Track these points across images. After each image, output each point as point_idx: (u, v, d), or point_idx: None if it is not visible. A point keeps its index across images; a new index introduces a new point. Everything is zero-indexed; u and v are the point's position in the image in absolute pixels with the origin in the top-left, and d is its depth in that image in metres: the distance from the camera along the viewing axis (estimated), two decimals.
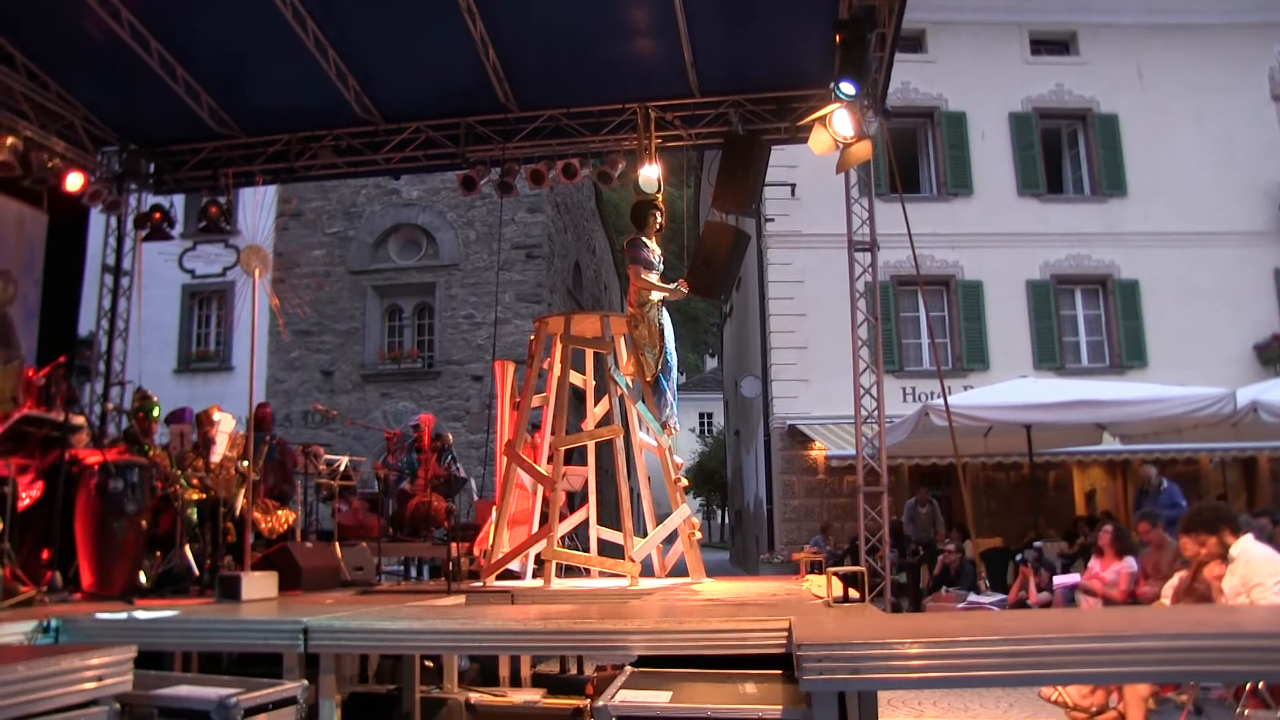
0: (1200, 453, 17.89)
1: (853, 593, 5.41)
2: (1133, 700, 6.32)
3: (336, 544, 8.54)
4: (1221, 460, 18.88)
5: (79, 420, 7.93)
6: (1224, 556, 6.53)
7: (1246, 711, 6.21)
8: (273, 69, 10.14)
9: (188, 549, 7.53)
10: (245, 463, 7.66)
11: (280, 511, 8.69)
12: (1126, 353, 19.45)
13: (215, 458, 7.90)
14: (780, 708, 3.56)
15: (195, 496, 7.73)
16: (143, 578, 7.16)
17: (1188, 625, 3.85)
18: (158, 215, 11.27)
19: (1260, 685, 6.09)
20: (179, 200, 12.35)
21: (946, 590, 12.32)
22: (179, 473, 7.67)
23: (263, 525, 8.32)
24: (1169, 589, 7.13)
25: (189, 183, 11.65)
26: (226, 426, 8.07)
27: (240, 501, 7.75)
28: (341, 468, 9.46)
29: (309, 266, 22.30)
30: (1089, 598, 9.13)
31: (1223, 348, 18.84)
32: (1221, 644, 3.41)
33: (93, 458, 7.05)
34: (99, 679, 3.60)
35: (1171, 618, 4.78)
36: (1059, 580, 10.34)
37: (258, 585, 6.36)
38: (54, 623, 4.90)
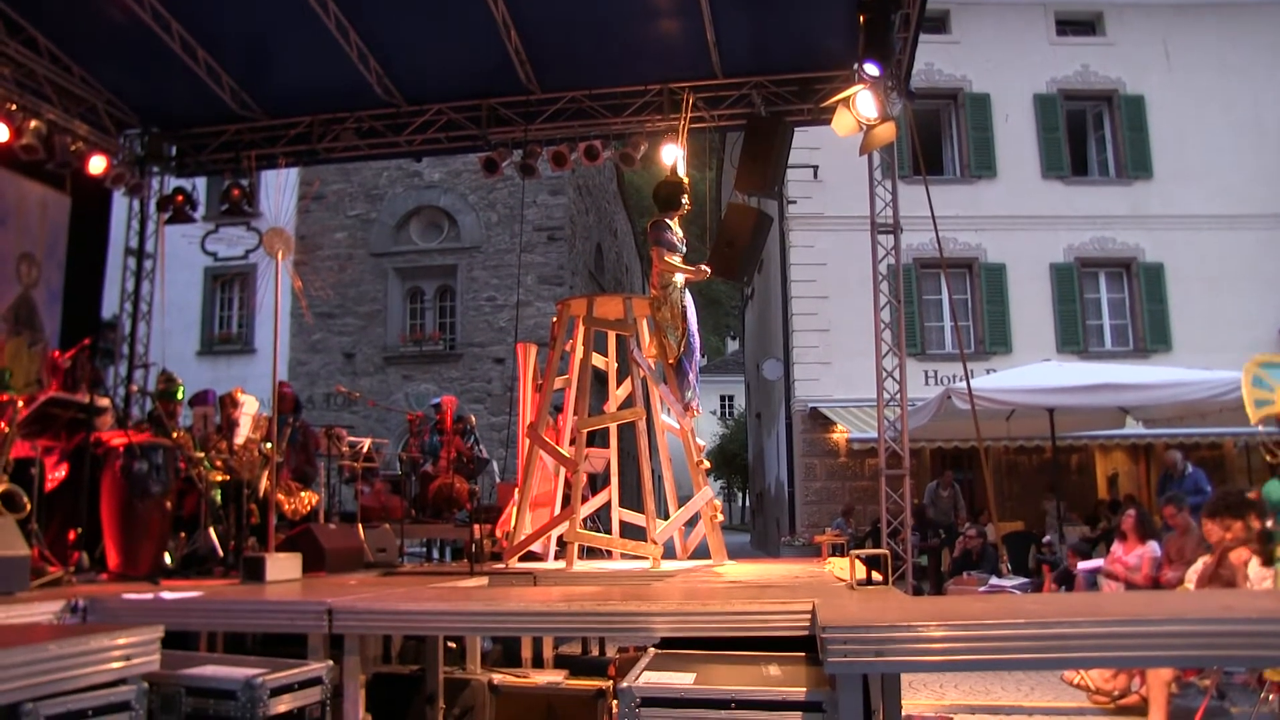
0: (1224, 437, 17.77)
1: (875, 575, 5.41)
2: (1155, 684, 6.31)
3: (359, 526, 8.56)
4: (1246, 445, 18.71)
5: (104, 402, 7.97)
6: (1249, 541, 6.51)
7: (1271, 696, 6.21)
8: (294, 51, 10.15)
9: (212, 530, 7.56)
10: (269, 444, 7.69)
11: (303, 493, 8.72)
12: (1150, 336, 19.31)
13: (239, 439, 7.92)
14: (804, 690, 3.55)
15: (219, 478, 7.75)
16: (168, 559, 7.20)
17: (1215, 610, 3.82)
18: (180, 198, 11.33)
19: None
20: (201, 183, 12.38)
21: (968, 574, 12.29)
22: (203, 454, 7.70)
23: (286, 507, 8.35)
24: (1193, 574, 7.11)
25: (211, 165, 11.69)
26: (250, 409, 8.08)
27: (264, 483, 7.77)
28: (364, 449, 9.49)
29: (331, 249, 22.37)
30: (1111, 582, 9.11)
31: (1248, 331, 18.66)
32: (1249, 629, 3.38)
33: (117, 439, 7.09)
34: (127, 658, 3.63)
35: (1197, 602, 4.75)
36: (1082, 565, 10.31)
37: (282, 566, 6.39)
38: (82, 603, 4.94)
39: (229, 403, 8.12)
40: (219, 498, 7.75)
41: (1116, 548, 9.51)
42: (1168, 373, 13.44)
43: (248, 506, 7.68)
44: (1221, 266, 19.03)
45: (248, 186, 11.32)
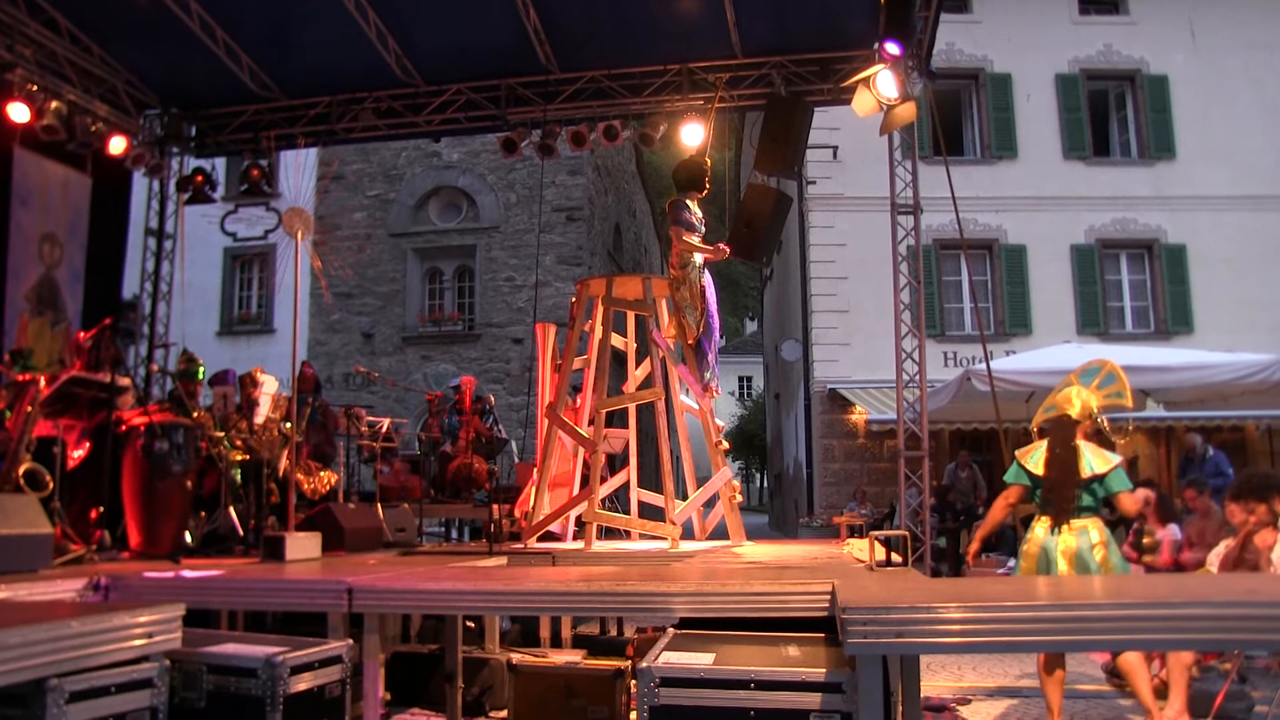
0: (1246, 420, 17.64)
1: (895, 557, 5.39)
2: (1175, 668, 6.27)
3: (378, 505, 8.59)
4: (1269, 428, 18.60)
5: (125, 382, 8.02)
6: (1274, 524, 6.47)
7: None
8: (313, 31, 10.15)
9: (232, 509, 7.60)
10: (288, 424, 7.72)
11: (323, 473, 8.76)
12: (1172, 318, 19.18)
13: (259, 419, 7.95)
14: (824, 670, 3.55)
15: (239, 457, 7.79)
16: (188, 538, 7.25)
17: (1239, 593, 3.80)
18: (200, 178, 11.36)
19: None
20: (220, 163, 12.43)
21: (987, 555, 12.26)
22: (223, 434, 7.74)
23: (305, 486, 8.39)
24: (1215, 557, 7.07)
25: (230, 146, 11.72)
26: (270, 388, 8.12)
27: (283, 463, 7.81)
28: (383, 429, 9.52)
29: (350, 229, 22.40)
30: (1133, 565, 9.07)
31: (1271, 313, 18.54)
32: (1273, 613, 3.35)
33: (138, 419, 7.13)
34: (149, 636, 3.65)
35: (1222, 585, 4.72)
36: None
37: (302, 546, 6.42)
38: (104, 580, 4.97)
39: (249, 382, 8.15)
40: (239, 477, 7.79)
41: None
42: (1189, 355, 13.35)
43: (267, 486, 7.72)
44: (1244, 248, 18.87)
45: (267, 167, 11.32)
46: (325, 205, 22.21)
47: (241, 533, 7.56)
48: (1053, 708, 6.21)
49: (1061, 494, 6.18)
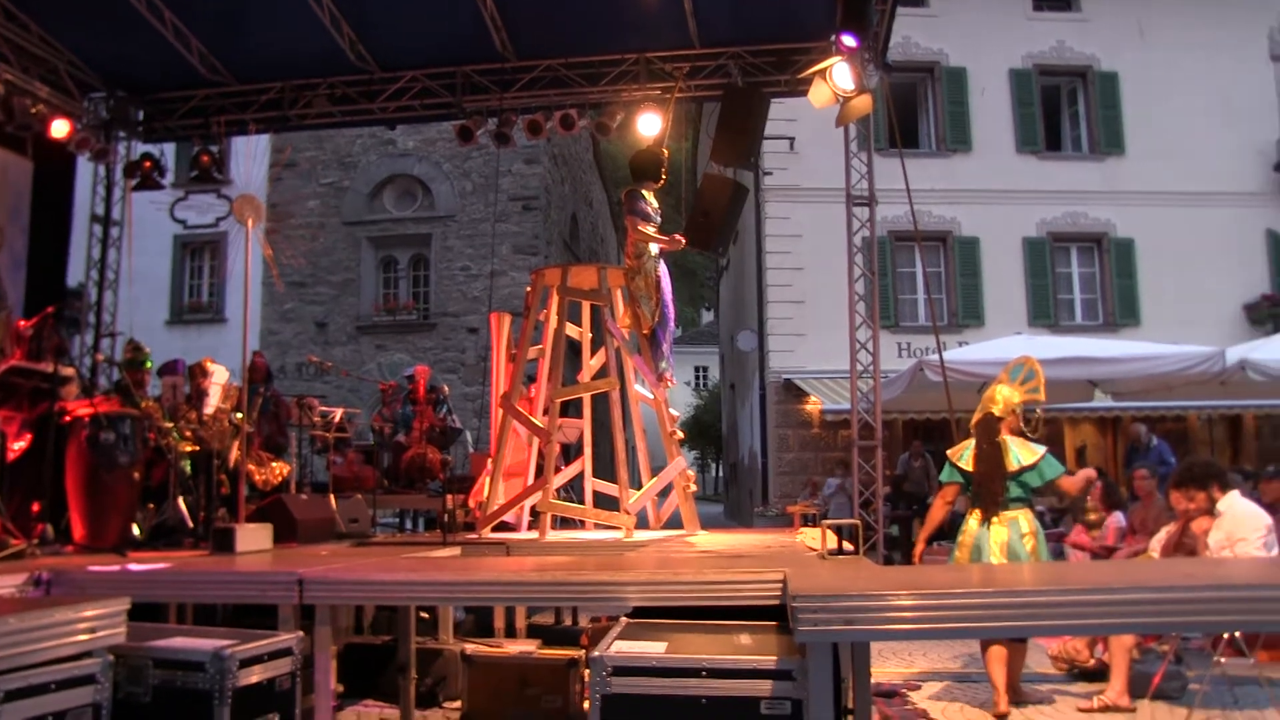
0: (1189, 410, 17.96)
1: (846, 545, 5.44)
2: (1117, 650, 6.41)
3: (331, 496, 8.54)
4: (1209, 418, 18.95)
5: (69, 371, 7.88)
6: (1212, 511, 6.62)
7: (1223, 659, 6.34)
8: (265, 15, 10.01)
9: (181, 501, 7.52)
10: (239, 415, 7.65)
11: (274, 463, 8.69)
12: (1120, 311, 19.46)
13: (208, 409, 7.87)
14: (775, 658, 3.57)
15: (189, 448, 7.71)
16: (136, 530, 7.15)
17: (1176, 578, 3.87)
18: (148, 164, 11.15)
19: (1237, 634, 6.24)
20: (169, 149, 12.21)
21: (939, 544, 12.36)
22: (172, 425, 7.65)
23: (257, 477, 8.32)
24: (1156, 543, 7.22)
25: (180, 131, 11.53)
26: (220, 378, 8.03)
27: (234, 453, 7.74)
28: (336, 419, 9.45)
29: (303, 217, 22.18)
30: (1078, 551, 9.21)
31: (1214, 307, 18.89)
32: (1207, 596, 3.43)
33: (83, 409, 7.01)
34: (92, 631, 3.61)
35: (1159, 570, 4.81)
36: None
37: (252, 537, 6.36)
38: (46, 575, 4.90)
39: (198, 372, 8.06)
40: (189, 468, 7.71)
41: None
42: (1136, 347, 13.54)
43: (218, 477, 7.65)
44: (1190, 243, 19.16)
45: (217, 153, 11.15)
46: (278, 193, 21.98)
47: (191, 525, 7.49)
48: (998, 685, 6.38)
49: (989, 488, 6.41)
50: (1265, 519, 6.65)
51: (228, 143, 11.47)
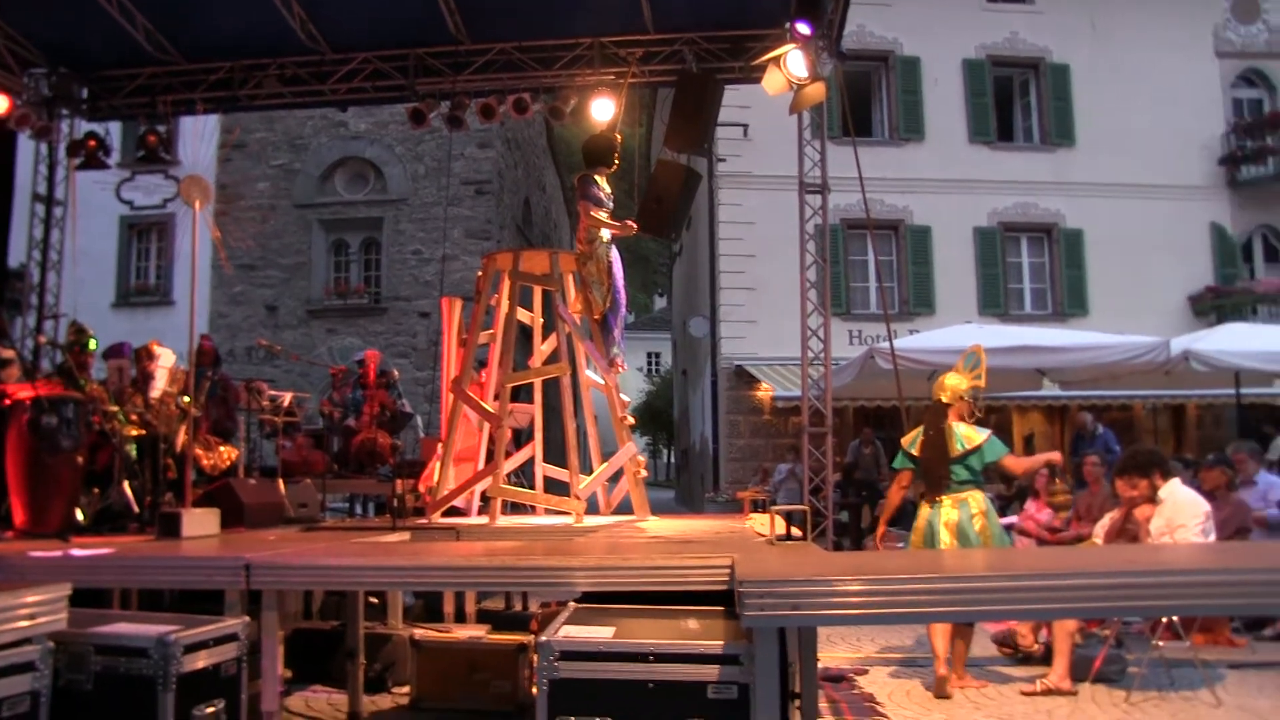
0: (1134, 399, 18.27)
1: (795, 531, 5.47)
2: (1060, 635, 6.53)
3: (280, 481, 8.46)
4: (1153, 407, 19.30)
5: (9, 354, 7.75)
6: (1154, 498, 6.78)
7: (1161, 643, 6.50)
8: None
9: (126, 485, 7.41)
10: (186, 398, 7.56)
11: (222, 448, 8.59)
12: (1069, 301, 19.72)
13: (155, 393, 7.77)
14: (721, 643, 3.60)
15: (134, 432, 7.60)
16: (80, 515, 7.05)
17: (1117, 564, 3.94)
18: (92, 143, 10.93)
19: (1175, 619, 6.42)
20: (115, 128, 11.97)
21: (888, 530, 12.48)
22: (117, 408, 7.54)
23: (204, 462, 8.22)
24: (1100, 529, 7.36)
25: (125, 109, 11.30)
26: (166, 361, 7.93)
27: (181, 437, 7.64)
28: (286, 403, 9.36)
29: (253, 199, 21.94)
30: (1024, 538, 9.34)
31: (1160, 298, 19.22)
32: (1147, 581, 3.49)
33: (24, 393, 6.88)
34: (32, 617, 3.56)
35: (1101, 557, 4.88)
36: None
37: (199, 522, 6.29)
38: None
39: (145, 355, 7.96)
40: (134, 452, 7.60)
41: (1030, 505, 9.75)
42: (1083, 336, 13.73)
43: (164, 461, 7.55)
44: (1137, 235, 19.46)
45: (165, 133, 10.97)
46: (227, 174, 21.71)
47: (137, 510, 7.39)
48: (938, 654, 6.61)
49: (935, 472, 6.72)
50: (1204, 506, 6.81)
51: (175, 122, 11.32)
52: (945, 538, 6.57)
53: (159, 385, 7.72)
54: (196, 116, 11.83)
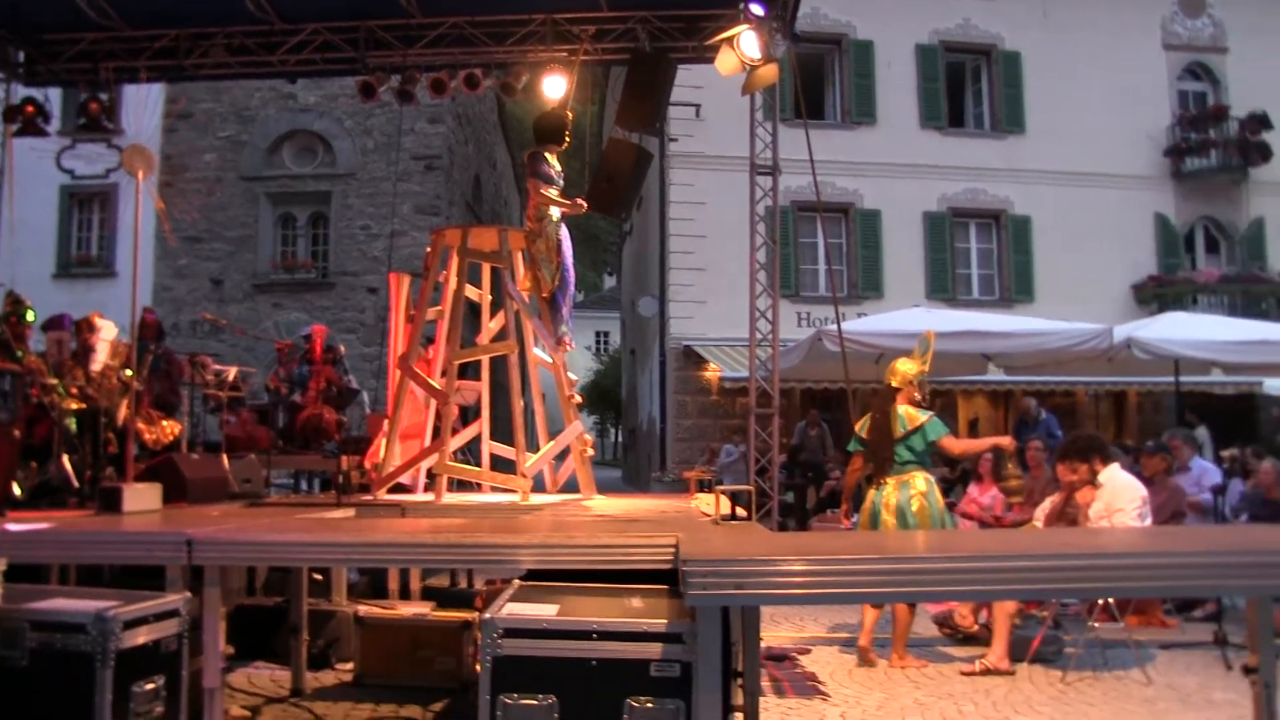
0: (1077, 385, 18.55)
1: (740, 511, 5.51)
2: (1000, 616, 6.64)
3: (224, 456, 8.37)
4: (1096, 393, 19.62)
5: None
6: (1094, 483, 6.91)
7: (1097, 624, 6.65)
8: None
9: (66, 459, 7.30)
10: (129, 372, 7.45)
11: (165, 422, 8.48)
12: (1015, 286, 19.97)
13: (96, 366, 7.65)
14: (665, 621, 3.61)
15: (74, 406, 7.48)
16: (16, 490, 6.93)
17: (1055, 547, 4.00)
18: (30, 109, 10.64)
19: (1111, 600, 6.59)
20: (55, 94, 11.69)
21: (832, 511, 12.62)
22: (57, 381, 7.42)
23: (147, 436, 8.12)
24: (1040, 512, 7.48)
25: (66, 75, 11.00)
26: (108, 334, 7.80)
27: (123, 411, 7.54)
28: (230, 378, 9.26)
29: (199, 171, 21.61)
30: (966, 520, 9.46)
31: (1104, 285, 19.52)
32: (1084, 564, 3.56)
33: None
34: None
35: (1040, 540, 4.97)
36: None
37: (140, 497, 6.21)
38: None
39: (85, 328, 7.83)
40: (74, 426, 7.48)
41: (972, 488, 9.87)
42: (1029, 322, 13.90)
43: (105, 435, 7.44)
44: (1084, 222, 19.74)
45: (107, 101, 10.74)
46: (172, 144, 21.35)
47: (76, 484, 7.28)
48: (865, 625, 6.93)
49: (880, 453, 6.96)
50: (1141, 491, 6.95)
51: (118, 90, 11.06)
52: (887, 518, 6.79)
53: (100, 358, 7.60)
54: (140, 85, 11.57)
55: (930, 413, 6.98)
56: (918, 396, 7.07)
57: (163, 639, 4.30)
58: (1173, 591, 6.50)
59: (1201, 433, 11.21)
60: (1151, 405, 19.80)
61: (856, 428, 7.32)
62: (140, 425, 7.86)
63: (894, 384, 7.09)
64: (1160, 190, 20.61)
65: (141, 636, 4.15)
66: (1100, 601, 6.75)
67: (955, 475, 12.90)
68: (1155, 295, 19.93)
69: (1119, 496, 6.85)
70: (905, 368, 7.12)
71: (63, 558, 5.37)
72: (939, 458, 7.75)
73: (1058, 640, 7.02)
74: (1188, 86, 21.35)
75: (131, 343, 7.59)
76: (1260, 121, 20.24)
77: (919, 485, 6.82)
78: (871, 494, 6.99)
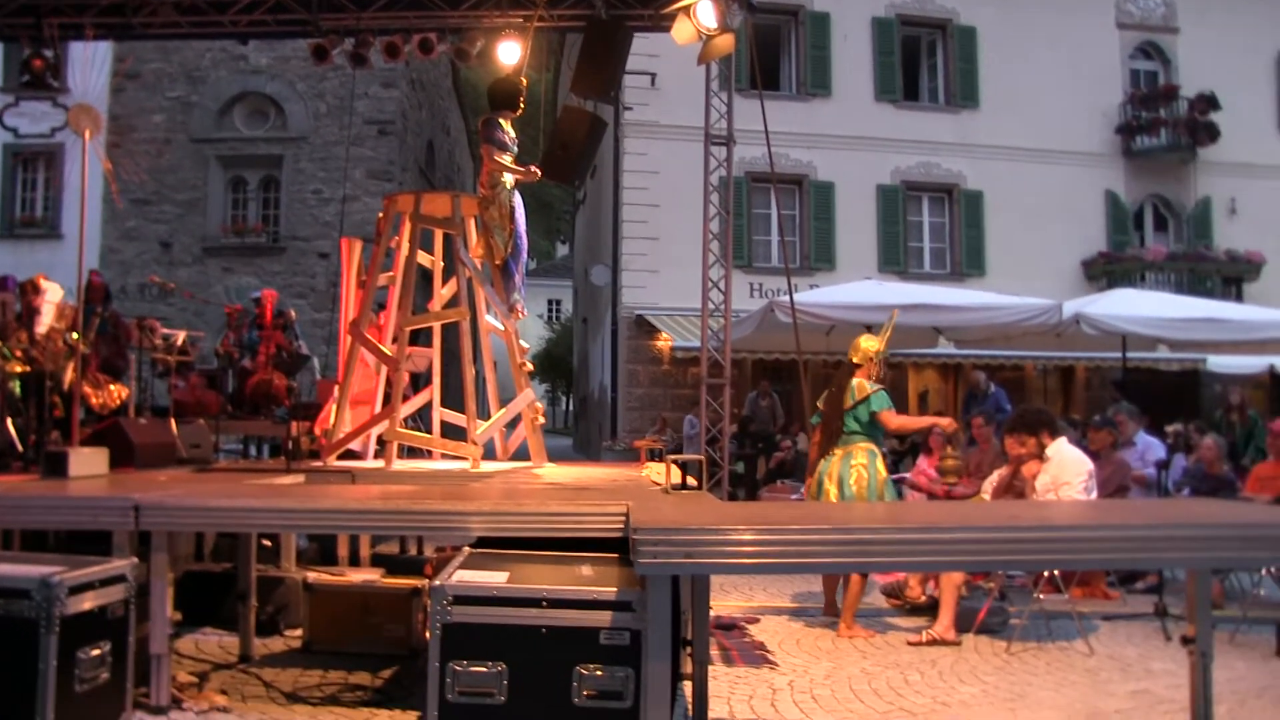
0: (1026, 360, 18.76)
1: (690, 480, 5.54)
2: (947, 587, 6.73)
3: (172, 421, 8.30)
4: (1044, 368, 19.87)
5: None
6: (1041, 456, 7.02)
7: (1042, 596, 6.76)
8: None
9: (10, 423, 7.21)
10: (75, 335, 7.35)
11: (112, 386, 8.40)
12: (967, 261, 20.13)
13: (41, 329, 7.54)
14: (615, 589, 3.64)
15: (19, 369, 7.37)
16: None
17: (1002, 519, 4.08)
18: None
19: (1055, 572, 6.71)
20: None
21: (782, 481, 12.73)
22: (0, 344, 7.31)
23: (93, 400, 8.03)
24: (989, 485, 7.58)
25: (7, 30, 10.68)
26: (54, 296, 7.70)
27: (69, 375, 7.44)
28: (179, 342, 9.16)
29: (147, 132, 21.23)
30: (915, 492, 9.57)
31: (1055, 261, 19.73)
32: (1030, 536, 3.64)
33: None
34: None
35: (987, 512, 5.04)
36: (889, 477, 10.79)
37: (86, 462, 6.15)
38: None
39: (30, 290, 7.72)
40: (18, 389, 7.38)
41: (921, 460, 9.99)
42: (980, 297, 14.04)
43: (50, 399, 7.35)
44: (1035, 198, 19.91)
45: (52, 58, 10.51)
46: (120, 104, 20.95)
47: (20, 449, 7.19)
48: (829, 599, 7.14)
49: (831, 425, 7.11)
50: (1087, 465, 7.06)
51: (64, 48, 10.82)
52: (829, 487, 6.95)
53: (45, 321, 7.50)
54: (87, 43, 11.33)
55: (879, 386, 7.05)
56: (877, 373, 7.14)
57: (109, 605, 4.28)
58: (1116, 564, 6.61)
59: (1125, 408, 11.41)
60: (1099, 380, 20.07)
61: (818, 402, 7.44)
62: (87, 389, 7.78)
63: (855, 360, 7.17)
64: (1111, 168, 20.83)
65: (87, 602, 4.12)
66: (1045, 573, 6.86)
67: (904, 447, 13.05)
68: (1104, 271, 20.18)
69: (1066, 470, 6.95)
70: (867, 345, 7.20)
71: (7, 523, 5.31)
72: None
73: (1003, 611, 7.13)
74: (1139, 65, 21.56)
75: (78, 305, 7.49)
76: (1209, 102, 20.50)
77: (859, 457, 6.92)
78: (820, 464, 7.10)
